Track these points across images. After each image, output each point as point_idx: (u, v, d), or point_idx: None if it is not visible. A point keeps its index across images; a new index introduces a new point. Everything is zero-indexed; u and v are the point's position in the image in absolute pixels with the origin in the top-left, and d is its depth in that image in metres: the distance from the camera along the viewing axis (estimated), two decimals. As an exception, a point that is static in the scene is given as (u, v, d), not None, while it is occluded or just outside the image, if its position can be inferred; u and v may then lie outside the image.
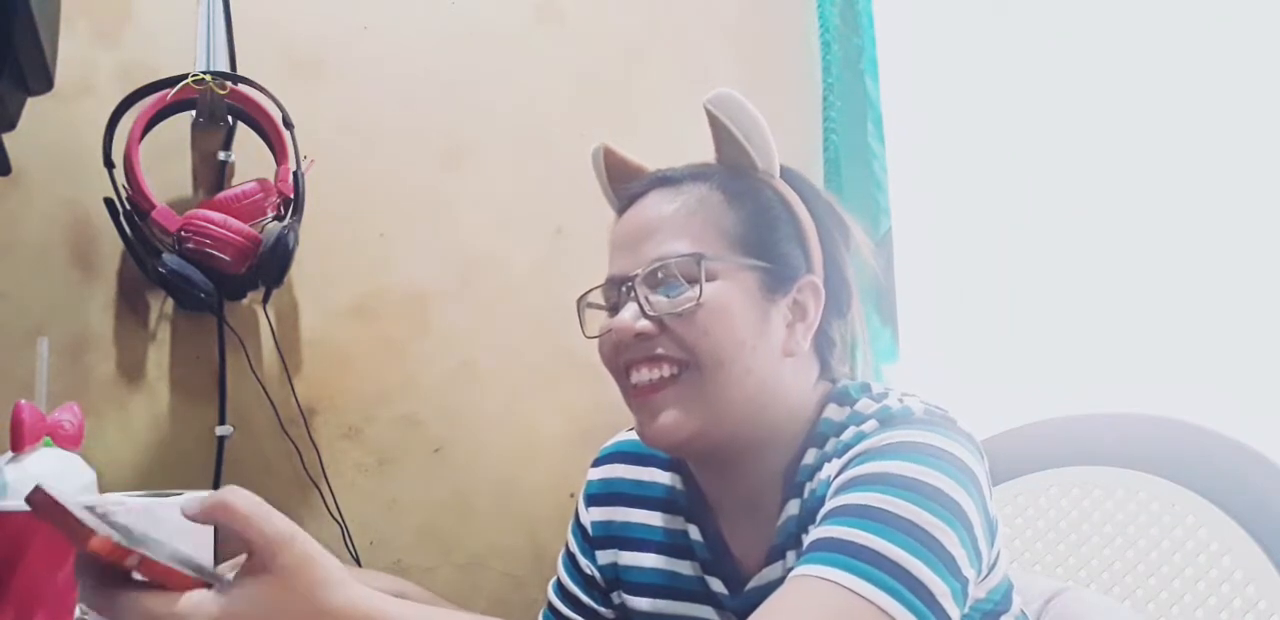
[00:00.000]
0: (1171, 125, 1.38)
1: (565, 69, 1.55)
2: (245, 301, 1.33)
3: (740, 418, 0.78)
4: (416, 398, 1.42)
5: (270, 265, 1.23)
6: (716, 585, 0.83)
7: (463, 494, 1.43)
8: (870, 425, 0.75)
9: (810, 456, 0.78)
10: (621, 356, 0.80)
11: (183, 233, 1.21)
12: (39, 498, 0.48)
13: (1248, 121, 1.32)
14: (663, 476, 0.90)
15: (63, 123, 1.27)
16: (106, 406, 1.28)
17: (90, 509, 0.50)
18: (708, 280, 0.77)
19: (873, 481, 0.69)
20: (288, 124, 1.29)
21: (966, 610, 0.68)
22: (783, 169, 0.86)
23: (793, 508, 0.78)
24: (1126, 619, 0.94)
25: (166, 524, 0.61)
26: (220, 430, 1.30)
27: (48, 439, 0.89)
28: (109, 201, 1.21)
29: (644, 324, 0.78)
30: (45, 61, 1.03)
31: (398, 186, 1.44)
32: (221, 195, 1.27)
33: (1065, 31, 1.49)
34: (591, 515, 0.94)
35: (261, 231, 1.25)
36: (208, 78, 1.26)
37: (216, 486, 1.27)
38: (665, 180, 0.84)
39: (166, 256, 1.20)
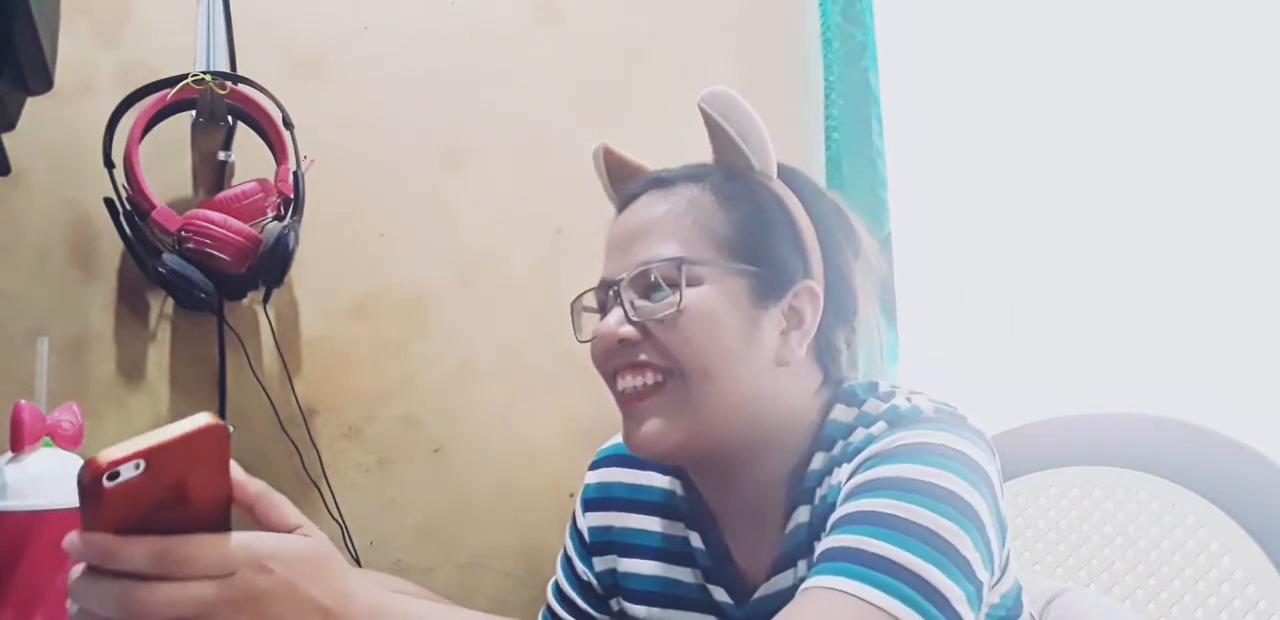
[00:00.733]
0: (1172, 125, 1.38)
1: (565, 69, 1.55)
2: (245, 301, 1.33)
3: (730, 426, 0.76)
4: (416, 398, 1.42)
5: (270, 265, 1.23)
6: (720, 594, 0.82)
7: (463, 494, 1.43)
8: (879, 427, 0.74)
9: (818, 461, 0.76)
10: (609, 362, 0.79)
11: (183, 233, 1.21)
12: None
13: (1248, 121, 1.33)
14: (661, 481, 0.89)
15: (63, 123, 1.26)
16: (106, 406, 1.28)
17: None
18: (693, 285, 0.75)
19: (883, 486, 0.67)
20: (288, 124, 1.29)
21: (982, 618, 0.67)
22: (783, 169, 0.83)
23: (802, 515, 0.76)
24: (1127, 619, 0.94)
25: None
26: (220, 430, 1.30)
27: (48, 439, 0.89)
28: (109, 201, 1.21)
29: (627, 329, 0.76)
30: (45, 61, 1.03)
31: (398, 186, 1.44)
32: (221, 195, 1.26)
33: (1065, 31, 1.49)
34: (589, 520, 0.92)
35: (261, 231, 1.25)
36: (208, 78, 1.26)
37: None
38: (659, 182, 0.82)
39: (166, 256, 1.20)
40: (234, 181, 1.34)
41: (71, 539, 0.46)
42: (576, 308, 0.85)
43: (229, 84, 1.28)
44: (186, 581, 0.47)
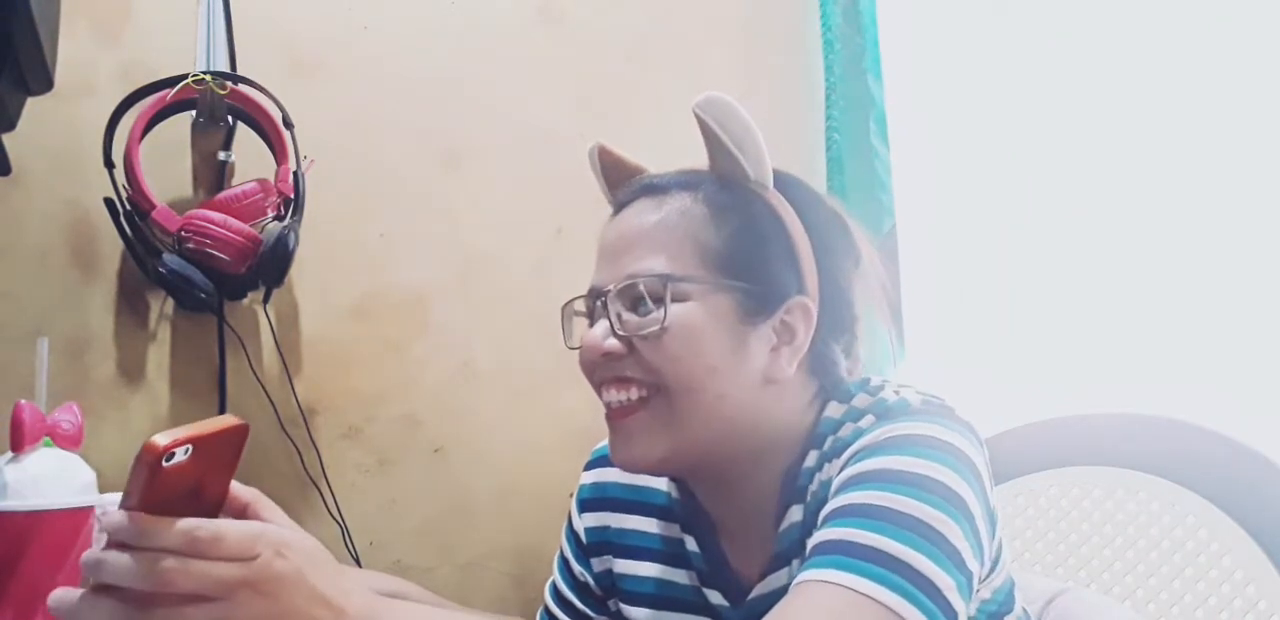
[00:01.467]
0: (1172, 125, 1.38)
1: (565, 69, 1.55)
2: (245, 301, 1.33)
3: (717, 442, 0.76)
4: (416, 398, 1.42)
5: (270, 265, 1.23)
6: (716, 598, 0.82)
7: (463, 494, 1.43)
8: (867, 420, 0.74)
9: (811, 458, 0.76)
10: (595, 374, 0.78)
11: (183, 233, 1.21)
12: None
13: (1248, 121, 1.33)
14: (657, 482, 0.88)
15: (63, 123, 1.27)
16: (106, 406, 1.28)
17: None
18: (679, 301, 0.74)
19: (872, 479, 0.68)
20: (288, 124, 1.29)
21: (973, 611, 0.67)
22: (781, 177, 0.81)
23: (795, 514, 0.76)
24: (1127, 619, 0.94)
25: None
26: (220, 430, 1.30)
27: (48, 439, 0.89)
28: (109, 201, 1.21)
29: (612, 343, 0.75)
30: (45, 61, 1.03)
31: (398, 186, 1.44)
32: (221, 195, 1.27)
33: (1065, 31, 1.49)
34: (585, 521, 0.92)
35: (261, 231, 1.25)
36: (208, 78, 1.26)
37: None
38: (652, 188, 0.80)
39: (166, 256, 1.20)
40: (234, 181, 1.34)
41: (111, 515, 0.49)
42: (567, 313, 0.84)
43: (229, 84, 1.28)
44: (213, 560, 0.49)
